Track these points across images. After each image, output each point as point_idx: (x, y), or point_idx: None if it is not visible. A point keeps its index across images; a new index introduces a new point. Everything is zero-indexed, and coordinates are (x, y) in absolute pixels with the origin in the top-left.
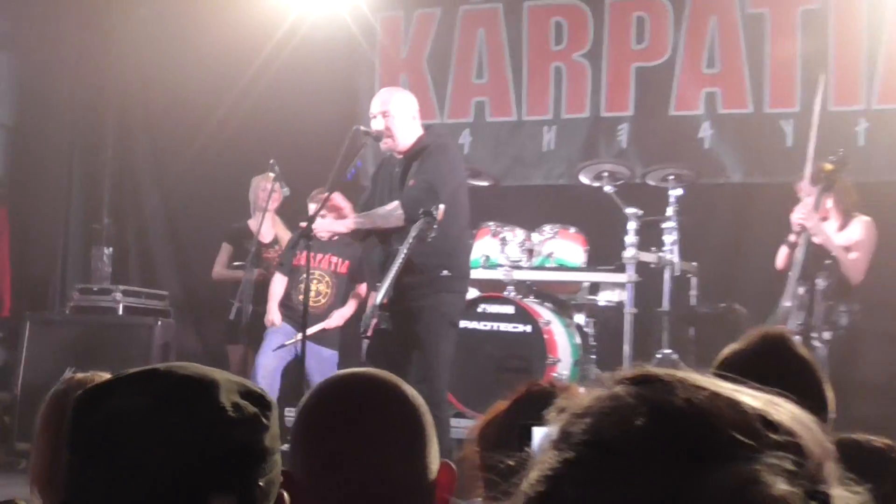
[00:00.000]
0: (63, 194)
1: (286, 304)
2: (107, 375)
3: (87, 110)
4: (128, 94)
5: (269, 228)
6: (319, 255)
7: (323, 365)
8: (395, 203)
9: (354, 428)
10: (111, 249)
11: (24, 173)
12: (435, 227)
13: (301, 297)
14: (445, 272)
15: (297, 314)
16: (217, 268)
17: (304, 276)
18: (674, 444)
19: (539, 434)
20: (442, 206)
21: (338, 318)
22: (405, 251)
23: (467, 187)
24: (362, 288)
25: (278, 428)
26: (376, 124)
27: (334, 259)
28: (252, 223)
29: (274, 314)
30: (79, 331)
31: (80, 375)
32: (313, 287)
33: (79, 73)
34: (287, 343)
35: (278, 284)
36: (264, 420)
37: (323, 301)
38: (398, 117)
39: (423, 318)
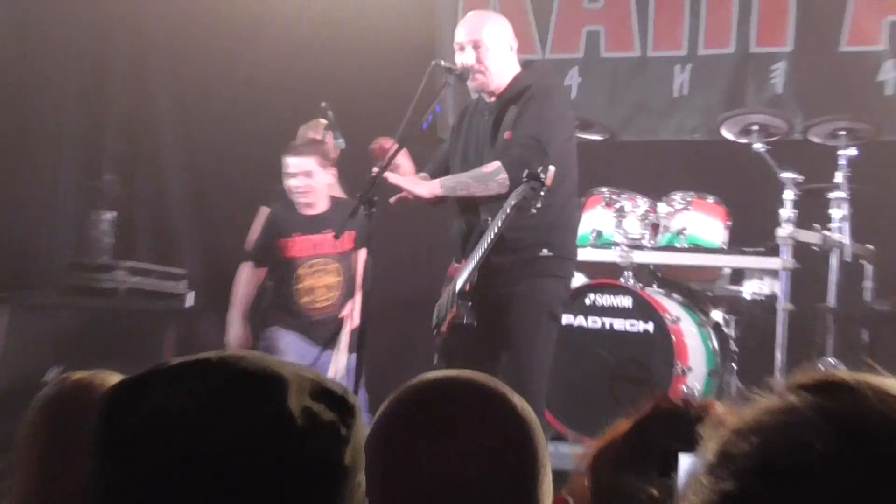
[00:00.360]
0: (52, 143)
1: (284, 308)
2: (114, 377)
3: (87, 39)
4: (143, 21)
5: None
6: (313, 237)
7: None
8: (496, 164)
9: (448, 445)
10: (114, 214)
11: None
12: (542, 194)
13: (304, 298)
14: (545, 251)
15: (306, 320)
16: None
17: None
18: (869, 474)
19: (686, 461)
20: (552, 169)
21: (354, 312)
22: (499, 224)
23: (576, 143)
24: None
25: (363, 438)
26: (464, 58)
27: (332, 234)
28: None
29: (234, 327)
30: (71, 318)
31: (78, 375)
32: (320, 282)
33: None
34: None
35: (246, 284)
36: (344, 429)
37: (334, 297)
38: (493, 49)
39: (515, 309)
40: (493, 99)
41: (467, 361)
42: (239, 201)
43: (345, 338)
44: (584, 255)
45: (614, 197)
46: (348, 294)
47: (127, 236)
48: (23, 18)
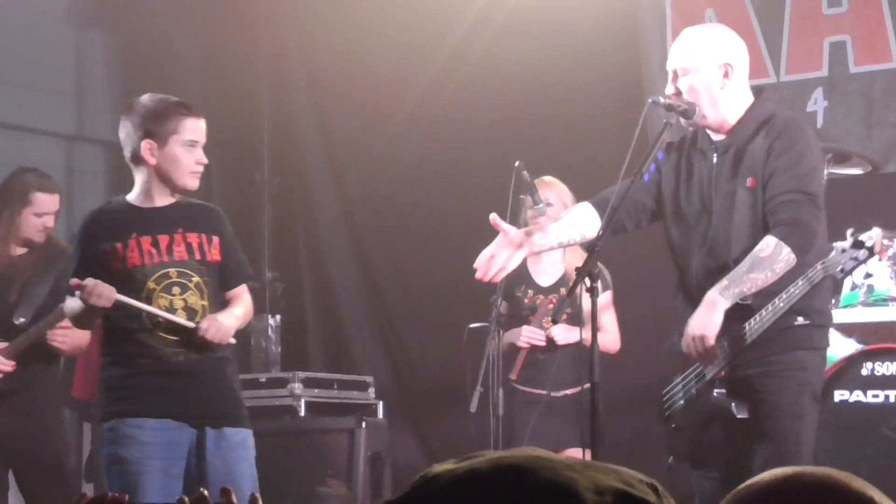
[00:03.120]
0: None
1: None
2: None
3: (228, 112)
4: (287, 83)
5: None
6: (154, 237)
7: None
8: (772, 242)
9: None
10: (278, 318)
11: None
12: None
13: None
14: (801, 319)
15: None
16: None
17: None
18: None
19: None
20: (878, 232)
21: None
22: (784, 306)
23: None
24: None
25: None
26: (678, 87)
27: (193, 236)
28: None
29: None
30: None
31: None
32: (182, 300)
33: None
34: None
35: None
36: None
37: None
38: (715, 73)
39: (769, 393)
40: (720, 136)
41: (718, 462)
42: (432, 283)
43: None
44: (853, 315)
45: (886, 242)
46: None
47: (293, 342)
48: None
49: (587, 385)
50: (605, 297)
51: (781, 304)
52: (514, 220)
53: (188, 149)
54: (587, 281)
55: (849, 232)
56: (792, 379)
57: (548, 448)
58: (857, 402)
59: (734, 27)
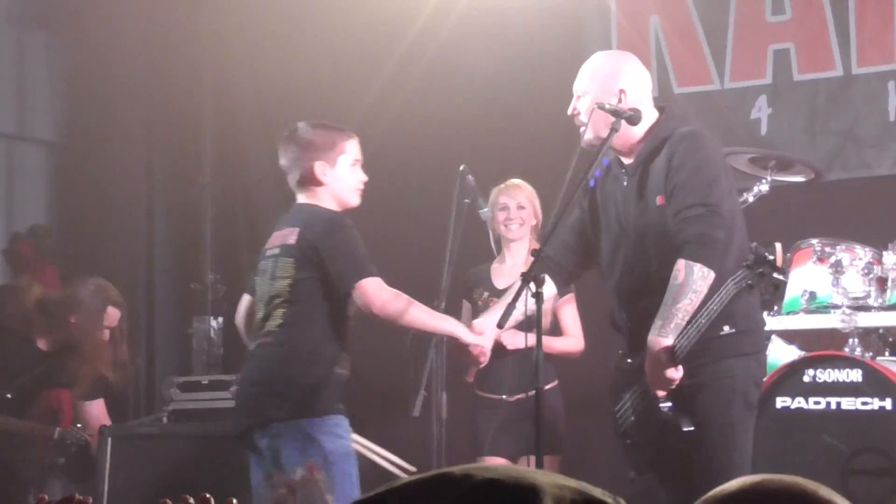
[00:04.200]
0: (141, 243)
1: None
2: None
3: (172, 114)
4: (230, 85)
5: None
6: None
7: None
8: (681, 264)
9: None
10: (221, 320)
11: (79, 214)
12: (777, 278)
13: None
14: (727, 328)
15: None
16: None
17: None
18: None
19: None
20: (779, 246)
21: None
22: (706, 322)
23: (735, 189)
24: None
25: None
26: (578, 107)
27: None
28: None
29: None
30: (184, 448)
31: None
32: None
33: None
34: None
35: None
36: None
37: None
38: (609, 98)
39: (701, 403)
40: (630, 159)
41: (679, 473)
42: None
43: None
44: (795, 322)
45: (828, 249)
46: None
47: (238, 345)
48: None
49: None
50: (565, 299)
51: (703, 321)
52: (458, 226)
53: (353, 168)
54: (532, 286)
55: (752, 246)
56: (722, 388)
57: (508, 453)
58: (799, 409)
59: (679, 33)
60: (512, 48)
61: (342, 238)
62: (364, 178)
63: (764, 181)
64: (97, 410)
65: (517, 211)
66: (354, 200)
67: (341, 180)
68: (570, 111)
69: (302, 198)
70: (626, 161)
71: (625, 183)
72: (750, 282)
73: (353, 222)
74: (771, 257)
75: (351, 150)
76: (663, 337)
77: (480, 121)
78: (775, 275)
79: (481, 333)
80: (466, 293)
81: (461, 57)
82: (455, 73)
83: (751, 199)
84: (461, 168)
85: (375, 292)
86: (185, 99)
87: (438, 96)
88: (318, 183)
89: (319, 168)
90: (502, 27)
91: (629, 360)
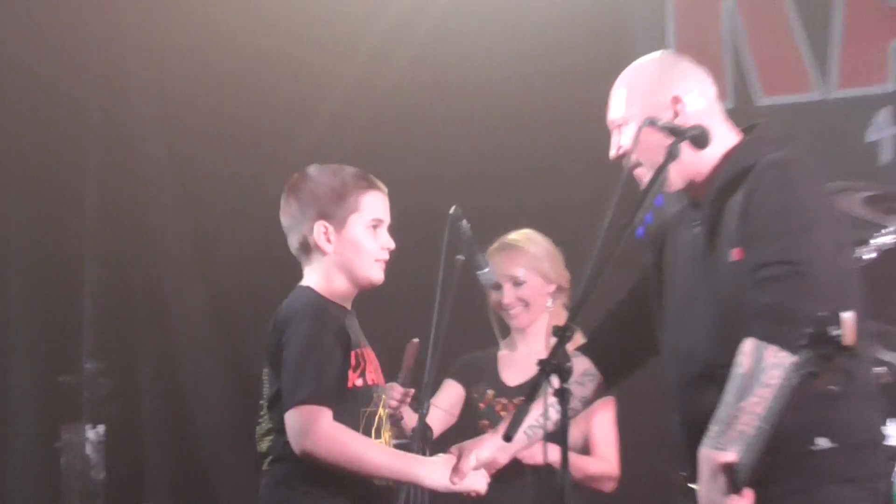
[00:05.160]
0: None
1: None
2: None
3: (40, 131)
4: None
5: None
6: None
7: None
8: (749, 345)
9: None
10: (101, 429)
11: None
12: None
13: None
14: (823, 441)
15: None
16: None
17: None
18: None
19: None
20: (848, 317)
21: None
22: (768, 426)
23: (844, 242)
24: None
25: None
26: (621, 143)
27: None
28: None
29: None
30: None
31: None
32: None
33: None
34: None
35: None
36: None
37: None
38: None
39: None
40: (701, 198)
41: None
42: None
43: None
44: None
45: None
46: None
47: (127, 464)
48: None
49: None
50: (602, 403)
51: (765, 426)
52: (447, 293)
53: (372, 231)
54: (555, 380)
55: (815, 317)
56: None
57: None
58: None
59: (764, 21)
60: (530, 47)
61: (301, 337)
62: (390, 244)
63: (888, 229)
64: None
65: (513, 291)
66: (374, 275)
67: (352, 248)
68: (612, 153)
69: (305, 271)
70: (697, 200)
71: (695, 230)
72: (812, 369)
73: (347, 317)
74: (836, 332)
75: (369, 206)
76: (719, 450)
77: (480, 141)
78: (839, 359)
79: (464, 476)
80: (462, 382)
81: (454, 53)
82: (447, 71)
83: (868, 255)
84: (452, 210)
85: (309, 424)
86: (61, 110)
87: (425, 107)
88: (321, 251)
89: (320, 231)
90: (521, 22)
91: (695, 486)
